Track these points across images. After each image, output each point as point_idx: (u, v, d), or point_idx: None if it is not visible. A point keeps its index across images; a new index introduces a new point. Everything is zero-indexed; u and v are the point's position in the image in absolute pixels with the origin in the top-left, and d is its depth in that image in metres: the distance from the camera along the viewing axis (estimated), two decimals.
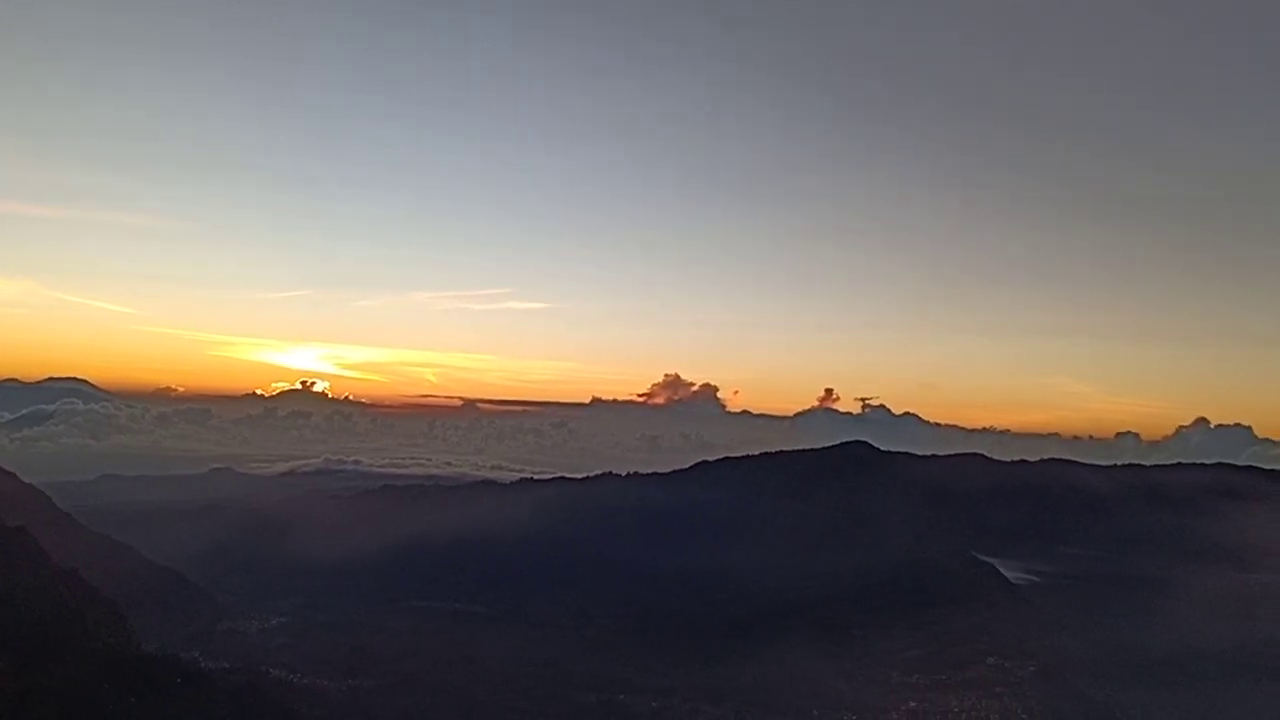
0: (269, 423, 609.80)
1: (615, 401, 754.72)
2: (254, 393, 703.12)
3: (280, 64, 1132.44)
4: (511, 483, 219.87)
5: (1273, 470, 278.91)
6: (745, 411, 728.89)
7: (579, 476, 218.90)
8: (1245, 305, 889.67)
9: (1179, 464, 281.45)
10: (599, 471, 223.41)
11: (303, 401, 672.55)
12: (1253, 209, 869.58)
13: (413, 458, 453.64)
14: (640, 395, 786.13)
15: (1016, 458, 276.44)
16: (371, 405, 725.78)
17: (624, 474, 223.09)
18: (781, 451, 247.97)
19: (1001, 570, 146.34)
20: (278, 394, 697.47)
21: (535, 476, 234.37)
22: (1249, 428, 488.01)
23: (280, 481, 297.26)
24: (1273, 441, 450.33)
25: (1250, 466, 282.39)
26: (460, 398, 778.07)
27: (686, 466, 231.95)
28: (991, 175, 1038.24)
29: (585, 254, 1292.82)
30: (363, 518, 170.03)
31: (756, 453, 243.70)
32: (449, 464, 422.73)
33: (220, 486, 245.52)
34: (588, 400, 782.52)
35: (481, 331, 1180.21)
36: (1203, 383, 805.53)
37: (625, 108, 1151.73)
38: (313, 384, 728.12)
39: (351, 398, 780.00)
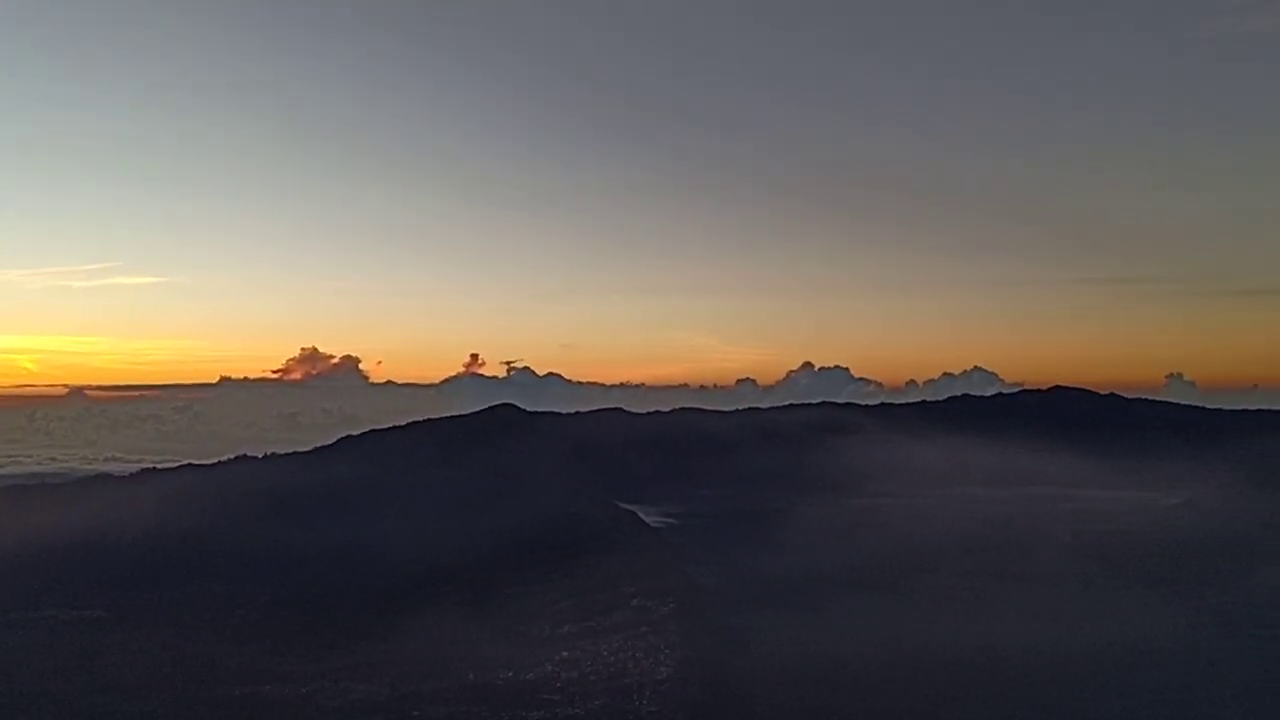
0: None
1: (247, 380, 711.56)
2: None
3: None
4: (131, 474, 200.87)
5: (868, 405, 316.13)
6: (390, 382, 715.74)
7: (210, 462, 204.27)
8: (839, 257, 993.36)
9: (790, 405, 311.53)
10: (232, 455, 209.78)
11: None
12: (836, 178, 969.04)
13: (9, 456, 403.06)
14: (275, 371, 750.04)
15: (651, 409, 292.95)
16: None
17: (261, 455, 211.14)
18: (429, 419, 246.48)
19: (642, 516, 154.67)
20: None
21: (159, 466, 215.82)
22: (847, 369, 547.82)
23: None
24: (867, 380, 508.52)
25: (850, 403, 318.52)
26: (65, 385, 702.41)
27: (329, 442, 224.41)
28: (620, 150, 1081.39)
29: (204, 220, 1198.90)
30: None
31: (404, 423, 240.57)
32: (54, 459, 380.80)
33: None
34: (215, 380, 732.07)
35: (87, 311, 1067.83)
36: (807, 330, 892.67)
37: (248, 60, 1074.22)
38: None
39: None
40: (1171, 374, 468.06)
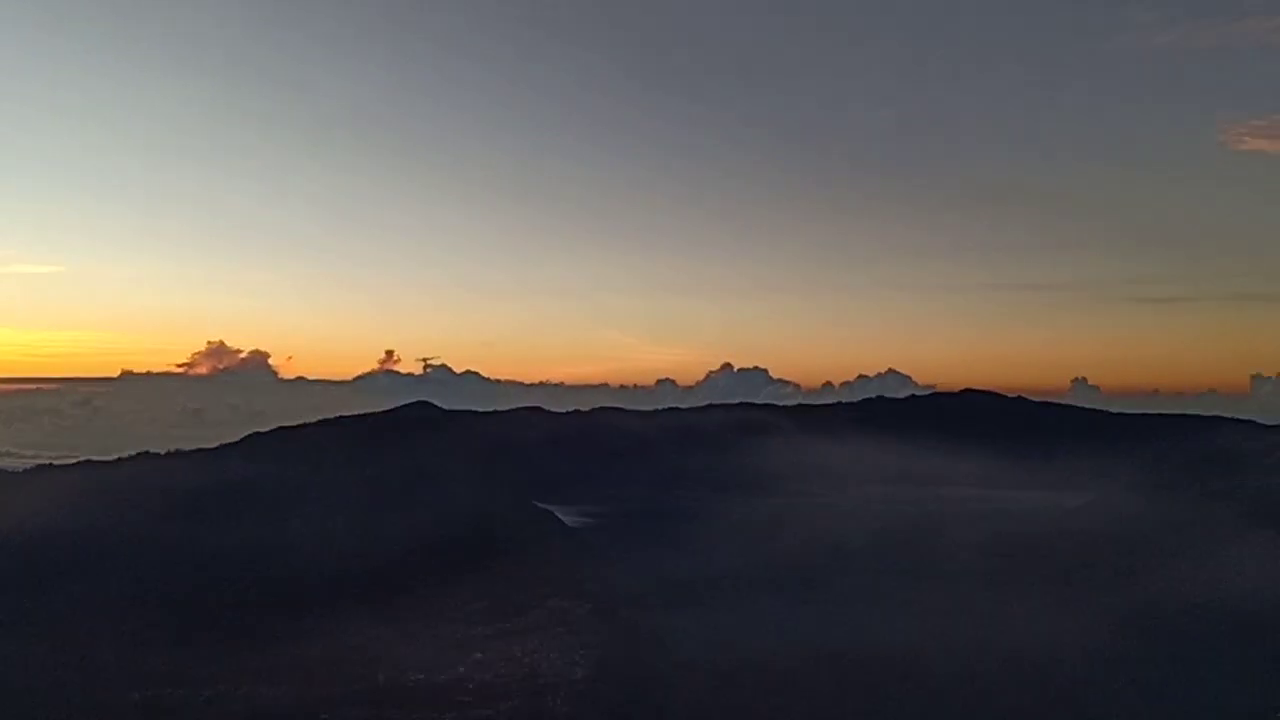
0: None
1: (150, 374, 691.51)
2: None
3: None
4: (26, 470, 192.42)
5: (786, 406, 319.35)
6: (301, 378, 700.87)
7: (110, 459, 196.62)
8: (758, 261, 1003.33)
9: (709, 405, 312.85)
10: (134, 451, 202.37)
11: None
12: (757, 184, 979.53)
13: None
14: (180, 366, 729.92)
15: (571, 408, 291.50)
16: None
17: (164, 452, 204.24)
18: (341, 417, 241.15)
19: (559, 516, 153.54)
20: None
21: (55, 462, 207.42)
22: (765, 370, 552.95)
23: None
24: (785, 381, 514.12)
25: (768, 404, 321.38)
26: None
27: (236, 440, 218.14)
28: (543, 149, 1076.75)
29: (107, 207, 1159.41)
30: None
31: (314, 420, 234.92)
32: None
33: None
34: (116, 374, 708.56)
35: None
36: (727, 332, 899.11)
37: (153, 45, 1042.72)
38: None
39: None
40: (1077, 379, 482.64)
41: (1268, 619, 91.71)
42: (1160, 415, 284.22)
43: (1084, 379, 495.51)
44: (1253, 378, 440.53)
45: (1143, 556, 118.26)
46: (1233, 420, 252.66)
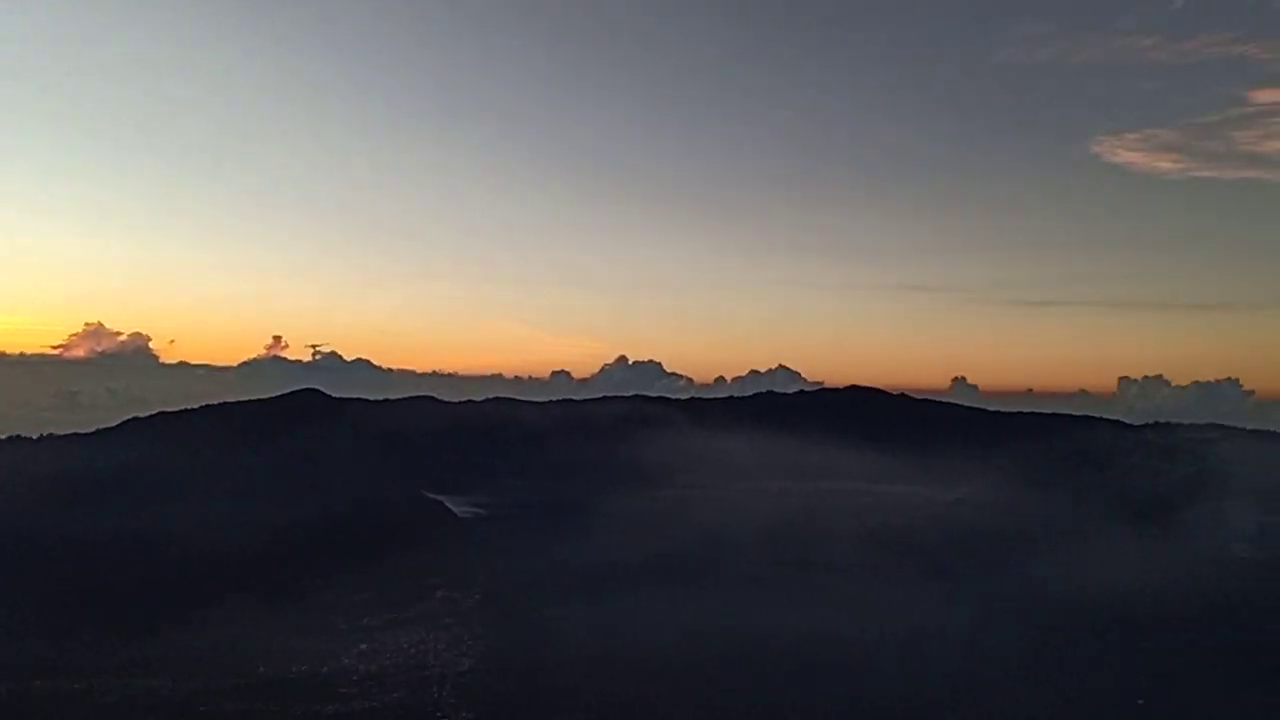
0: None
1: (22, 355, 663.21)
2: None
3: None
4: None
5: (679, 399, 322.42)
6: (183, 362, 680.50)
7: None
8: (656, 254, 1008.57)
9: (604, 397, 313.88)
10: (4, 436, 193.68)
11: None
12: (653, 174, 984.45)
13: None
14: (55, 347, 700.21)
15: (464, 398, 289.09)
16: None
17: (36, 437, 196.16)
18: (225, 403, 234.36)
19: (449, 506, 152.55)
20: None
21: None
22: (659, 364, 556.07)
23: None
24: (678, 375, 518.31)
25: (661, 397, 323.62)
26: None
27: (114, 424, 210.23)
28: (438, 134, 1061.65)
29: None
30: None
31: (197, 406, 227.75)
32: None
33: None
34: None
35: None
36: (623, 324, 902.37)
37: (31, 13, 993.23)
38: None
39: None
40: (957, 378, 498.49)
41: (1132, 609, 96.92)
42: (1034, 414, 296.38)
43: (964, 378, 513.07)
44: (1120, 379, 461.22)
45: (1015, 548, 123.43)
46: (1101, 420, 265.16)
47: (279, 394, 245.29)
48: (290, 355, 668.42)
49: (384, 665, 72.27)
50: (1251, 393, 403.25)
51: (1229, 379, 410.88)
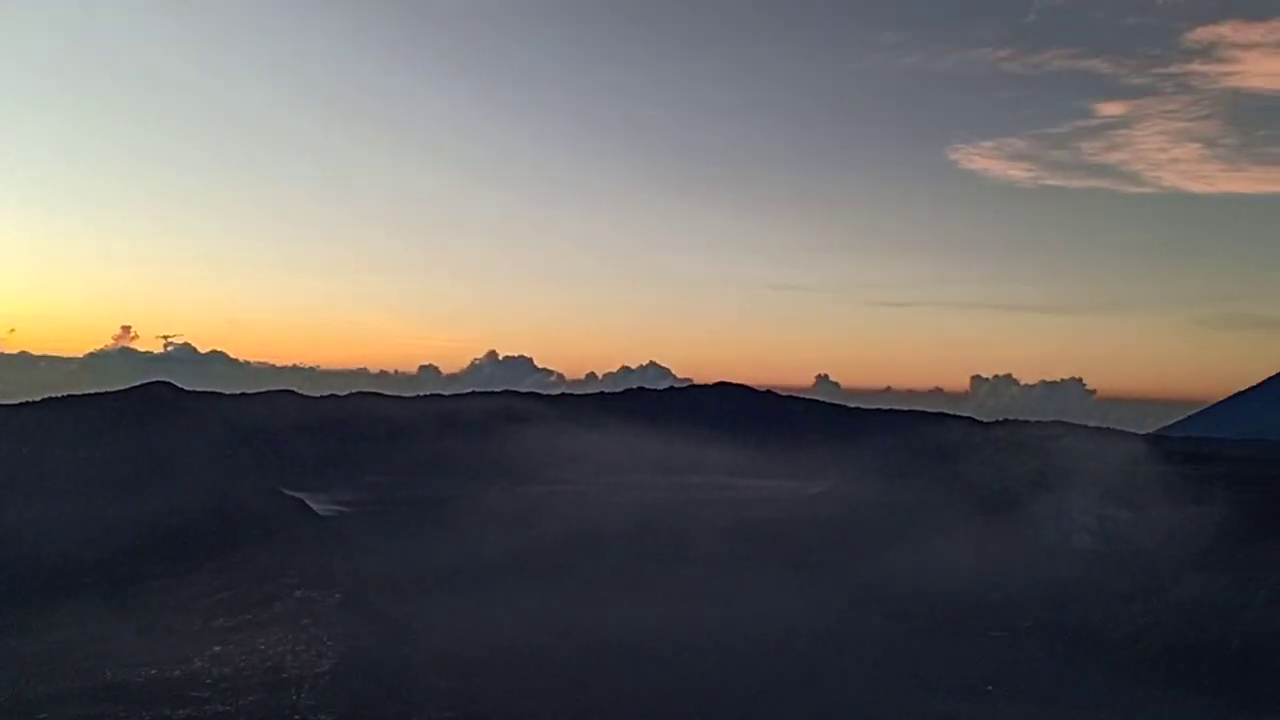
0: None
1: None
2: None
3: None
4: None
5: (549, 395, 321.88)
6: (24, 352, 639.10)
7: None
8: (524, 247, 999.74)
9: (473, 393, 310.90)
10: None
11: None
12: (499, 163, 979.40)
13: None
14: None
15: (327, 393, 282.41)
16: None
17: None
18: (70, 396, 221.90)
19: (309, 503, 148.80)
20: None
21: None
22: (530, 358, 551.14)
23: None
24: (549, 371, 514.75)
25: (532, 393, 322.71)
26: None
27: None
28: (299, 119, 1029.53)
29: None
30: None
31: (38, 399, 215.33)
32: None
33: None
34: None
35: None
36: (493, 318, 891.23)
37: None
38: None
39: None
40: (820, 375, 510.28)
41: (982, 598, 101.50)
42: (893, 410, 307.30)
43: (827, 375, 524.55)
44: (973, 378, 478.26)
45: (873, 540, 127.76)
46: (955, 416, 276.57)
47: (128, 386, 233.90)
48: (140, 346, 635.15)
49: (239, 667, 69.82)
50: (1094, 391, 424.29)
51: (1073, 378, 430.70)
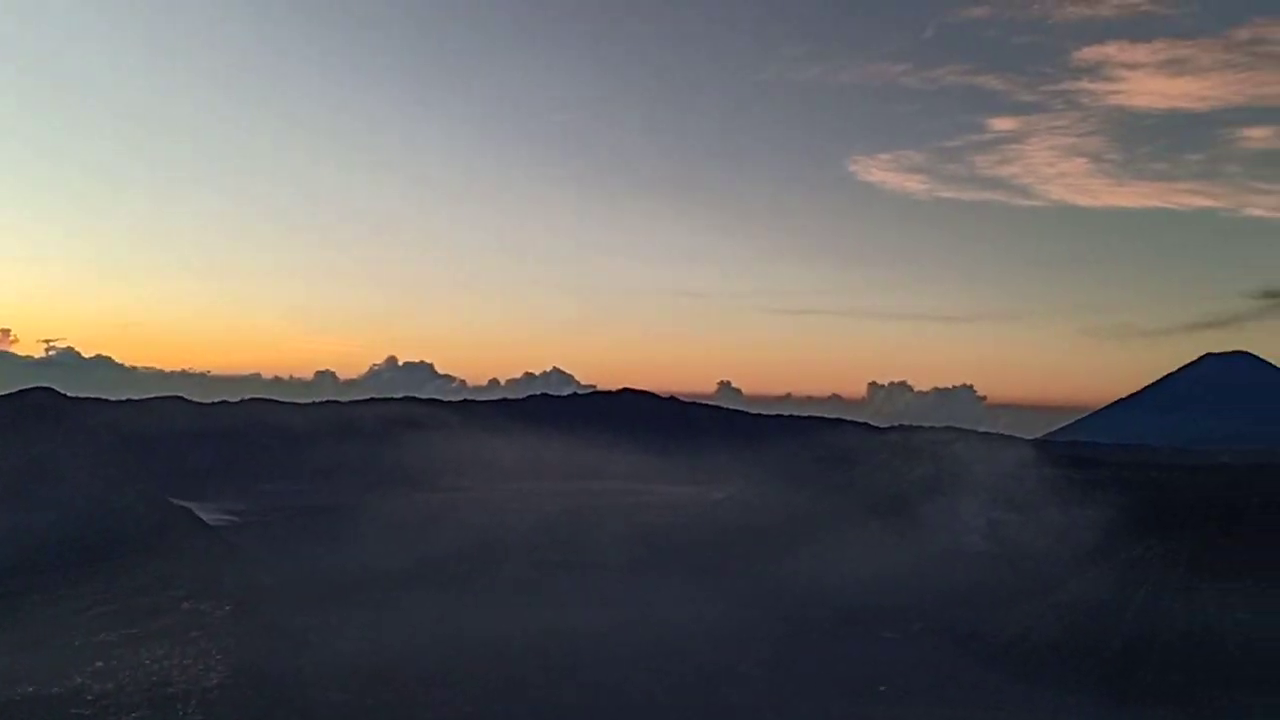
0: None
1: None
2: None
3: None
4: None
5: (451, 401, 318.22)
6: None
7: None
8: (426, 251, 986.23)
9: (372, 399, 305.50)
10: None
11: None
12: (419, 172, 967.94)
13: None
14: None
15: (218, 399, 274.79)
16: None
17: None
18: None
19: (198, 513, 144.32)
20: None
21: None
22: (431, 364, 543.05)
23: None
24: (451, 377, 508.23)
25: (433, 399, 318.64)
26: None
27: None
28: (199, 118, 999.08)
29: None
30: None
31: None
32: None
33: None
34: None
35: None
36: (392, 323, 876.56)
37: None
38: None
39: None
40: (722, 381, 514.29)
41: (876, 599, 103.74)
42: (792, 416, 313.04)
43: (729, 382, 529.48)
44: (869, 385, 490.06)
45: (772, 544, 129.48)
46: (852, 422, 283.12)
47: (7, 393, 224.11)
48: (20, 351, 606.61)
49: (122, 683, 67.50)
50: (984, 398, 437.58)
51: (964, 385, 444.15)
